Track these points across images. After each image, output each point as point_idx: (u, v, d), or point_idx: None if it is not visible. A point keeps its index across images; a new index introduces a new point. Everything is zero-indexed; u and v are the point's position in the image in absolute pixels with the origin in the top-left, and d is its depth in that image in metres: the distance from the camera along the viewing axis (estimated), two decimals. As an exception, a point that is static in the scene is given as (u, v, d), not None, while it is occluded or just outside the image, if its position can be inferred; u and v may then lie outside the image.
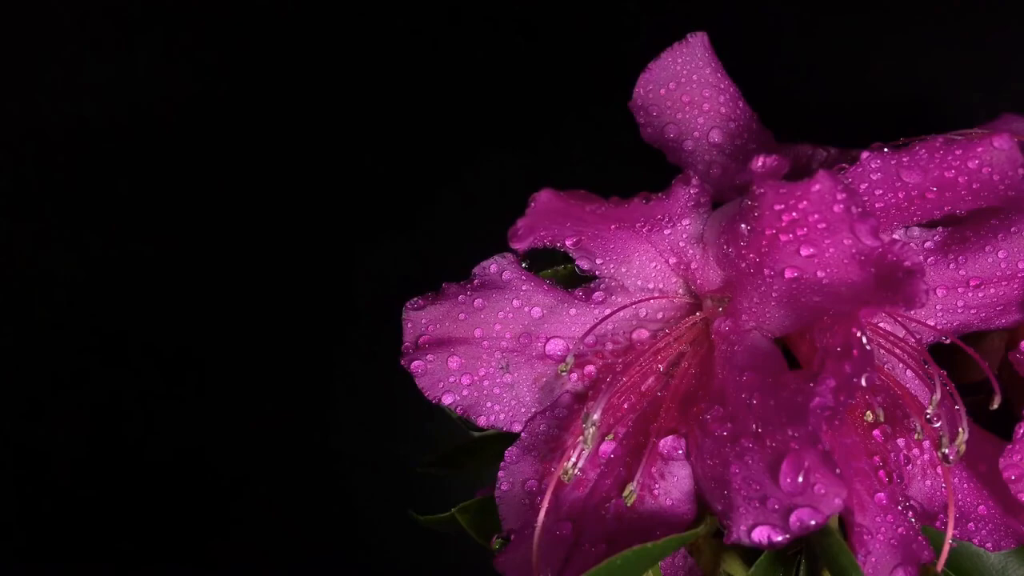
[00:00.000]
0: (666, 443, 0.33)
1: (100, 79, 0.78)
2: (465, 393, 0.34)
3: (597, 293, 0.35)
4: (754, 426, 0.30)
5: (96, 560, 0.78)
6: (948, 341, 0.34)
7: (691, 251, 0.34)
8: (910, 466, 0.34)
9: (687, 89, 0.38)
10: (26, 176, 0.79)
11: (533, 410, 0.35)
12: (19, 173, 0.79)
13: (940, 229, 0.34)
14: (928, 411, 0.32)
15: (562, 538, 0.33)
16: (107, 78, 0.78)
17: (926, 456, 0.34)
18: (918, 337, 0.34)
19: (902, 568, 0.32)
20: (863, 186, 0.32)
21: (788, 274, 0.30)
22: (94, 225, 0.79)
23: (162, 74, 0.78)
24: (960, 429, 0.32)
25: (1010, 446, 0.33)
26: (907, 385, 0.35)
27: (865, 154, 0.32)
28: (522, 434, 0.35)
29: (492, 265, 0.35)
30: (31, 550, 0.79)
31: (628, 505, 0.33)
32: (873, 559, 0.32)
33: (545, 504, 0.32)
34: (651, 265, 0.34)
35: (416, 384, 0.34)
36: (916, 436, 0.33)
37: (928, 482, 0.34)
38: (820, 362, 0.29)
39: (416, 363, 0.34)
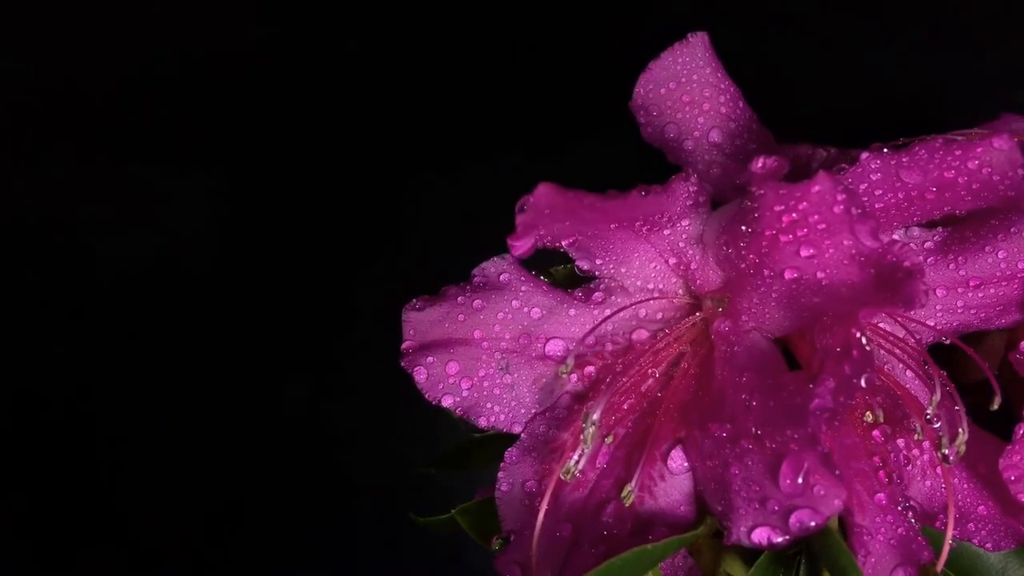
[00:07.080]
0: (666, 444, 0.33)
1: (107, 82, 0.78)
2: (465, 394, 0.34)
3: (597, 294, 0.35)
4: (753, 427, 0.30)
5: (98, 565, 0.78)
6: (948, 341, 0.34)
7: (691, 251, 0.34)
8: (910, 466, 0.34)
9: (687, 89, 0.38)
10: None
11: (533, 411, 0.35)
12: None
13: (940, 229, 0.34)
14: (928, 411, 0.32)
15: (562, 539, 0.33)
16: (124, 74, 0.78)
17: (926, 456, 0.34)
18: (918, 337, 0.34)
19: (902, 568, 0.32)
20: (863, 187, 0.32)
21: (788, 275, 0.30)
22: (95, 222, 0.79)
23: (163, 76, 0.78)
24: (960, 429, 0.32)
25: (1010, 446, 0.33)
26: (907, 385, 0.35)
27: (865, 155, 0.32)
28: (522, 435, 0.34)
29: (491, 266, 0.34)
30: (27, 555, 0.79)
31: (627, 505, 0.33)
32: (873, 559, 0.32)
33: (544, 505, 0.32)
34: (651, 265, 0.34)
35: (416, 385, 0.34)
36: (916, 436, 0.33)
37: (928, 482, 0.34)
38: (820, 363, 0.29)
39: (416, 365, 0.34)
